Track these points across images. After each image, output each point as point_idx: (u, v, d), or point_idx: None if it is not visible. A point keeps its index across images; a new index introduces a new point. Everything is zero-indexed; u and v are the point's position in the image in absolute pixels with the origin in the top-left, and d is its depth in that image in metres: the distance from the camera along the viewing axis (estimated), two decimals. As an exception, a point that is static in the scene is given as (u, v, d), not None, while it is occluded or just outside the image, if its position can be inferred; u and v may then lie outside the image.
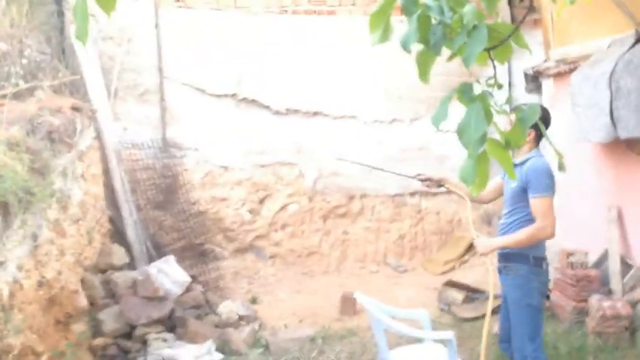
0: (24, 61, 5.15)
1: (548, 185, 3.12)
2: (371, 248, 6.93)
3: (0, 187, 3.14)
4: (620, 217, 4.85)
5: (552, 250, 5.69)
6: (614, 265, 4.77)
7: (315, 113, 6.80)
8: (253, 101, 6.61)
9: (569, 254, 4.89)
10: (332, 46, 6.71)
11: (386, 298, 5.01)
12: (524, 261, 3.18)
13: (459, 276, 6.01)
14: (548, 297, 3.36)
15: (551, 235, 3.13)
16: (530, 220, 3.14)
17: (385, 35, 1.76)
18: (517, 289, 3.22)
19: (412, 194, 7.05)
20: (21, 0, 5.43)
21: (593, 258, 5.00)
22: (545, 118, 3.22)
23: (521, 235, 3.15)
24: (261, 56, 6.57)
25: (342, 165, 6.81)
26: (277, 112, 6.68)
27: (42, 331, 3.66)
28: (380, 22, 1.75)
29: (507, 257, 3.27)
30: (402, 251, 6.98)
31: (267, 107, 6.65)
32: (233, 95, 6.55)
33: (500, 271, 3.36)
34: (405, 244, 7.00)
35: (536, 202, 3.10)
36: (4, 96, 4.54)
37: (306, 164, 6.81)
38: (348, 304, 5.49)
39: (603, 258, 4.95)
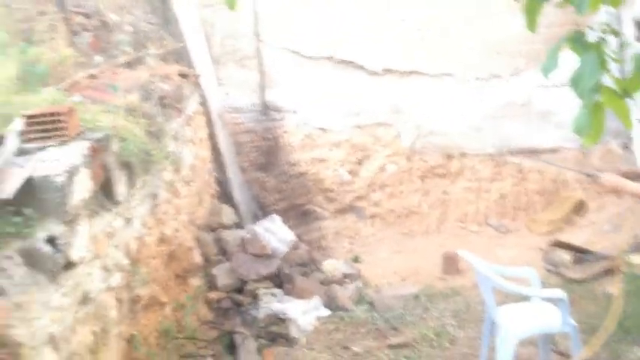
0: (133, 30, 5.40)
1: None
2: (471, 208, 6.80)
3: (126, 149, 3.32)
4: None
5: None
6: None
7: (411, 72, 6.69)
8: (349, 62, 6.58)
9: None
10: (426, 2, 6.54)
11: (488, 259, 4.93)
12: None
13: (566, 237, 5.80)
14: None
15: None
16: None
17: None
18: None
19: (513, 153, 6.82)
20: (126, -27, 5.66)
21: None
22: None
23: None
24: (356, 17, 6.51)
25: (441, 124, 6.71)
26: (373, 73, 6.63)
27: (164, 283, 3.91)
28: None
29: None
30: (504, 211, 6.79)
31: (363, 68, 6.61)
32: (329, 57, 6.56)
33: None
34: (506, 204, 6.81)
35: None
36: (119, 65, 4.78)
37: (404, 124, 6.74)
38: (451, 263, 5.47)
39: None
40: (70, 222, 2.54)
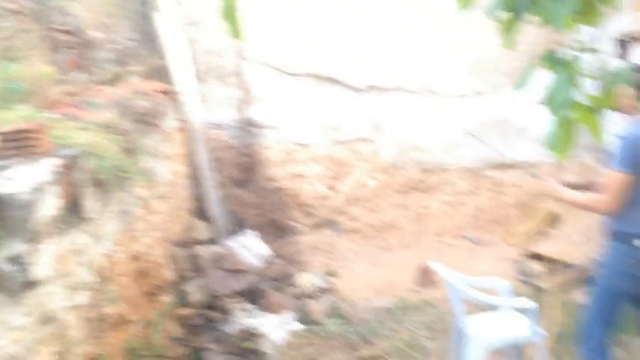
0: (115, 47, 5.45)
1: (625, 160, 2.83)
2: (449, 222, 6.88)
3: (99, 166, 3.36)
4: None
5: None
6: None
7: (393, 88, 6.77)
8: (330, 79, 6.66)
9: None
10: (409, 20, 6.63)
11: (464, 271, 4.99)
12: (620, 239, 2.96)
13: (539, 248, 5.88)
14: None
15: (605, 212, 2.98)
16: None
17: (470, 1, 1.76)
18: (606, 268, 3.04)
19: (491, 167, 6.92)
20: (109, -11, 5.72)
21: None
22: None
23: (579, 197, 3.08)
24: (339, 33, 6.59)
25: (420, 139, 6.78)
26: (355, 89, 6.71)
27: (134, 301, 3.92)
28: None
29: (607, 234, 3.07)
30: (481, 224, 6.88)
31: (344, 84, 6.69)
32: (311, 73, 6.63)
33: None
34: (483, 217, 6.90)
35: (608, 174, 2.92)
36: (100, 82, 4.83)
37: (384, 140, 6.82)
38: (425, 276, 5.53)
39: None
40: (35, 240, 2.57)
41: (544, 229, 6.41)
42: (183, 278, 4.79)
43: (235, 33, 1.47)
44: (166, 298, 4.46)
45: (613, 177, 2.86)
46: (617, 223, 2.98)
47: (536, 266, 5.35)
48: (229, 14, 1.46)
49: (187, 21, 6.26)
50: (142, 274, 4.04)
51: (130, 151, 4.21)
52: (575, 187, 3.27)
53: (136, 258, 3.97)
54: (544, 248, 5.73)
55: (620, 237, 2.96)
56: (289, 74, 6.61)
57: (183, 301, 4.65)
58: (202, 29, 6.37)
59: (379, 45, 6.65)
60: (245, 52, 6.50)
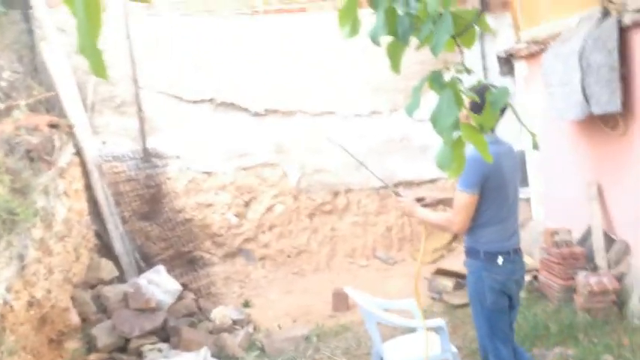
0: (-3, 81, 5.12)
1: (469, 181, 2.87)
2: (359, 243, 6.96)
3: (-18, 210, 3.11)
4: (600, 193, 4.92)
5: (537, 230, 5.78)
6: (597, 241, 4.83)
7: (294, 112, 6.82)
8: (231, 104, 6.60)
9: (554, 233, 4.95)
10: (305, 44, 6.73)
11: (377, 291, 5.04)
12: (475, 256, 3.00)
13: (448, 264, 6.06)
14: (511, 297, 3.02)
15: (456, 232, 3.11)
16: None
17: (354, 29, 1.79)
18: (471, 285, 3.05)
19: (396, 185, 7.10)
20: (-10, 21, 5.39)
21: (577, 235, 5.06)
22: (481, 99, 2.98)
23: (433, 217, 3.15)
24: (236, 59, 6.56)
25: (325, 161, 6.84)
26: (256, 114, 6.69)
27: (36, 350, 3.66)
28: (348, 17, 1.77)
29: (465, 252, 3.11)
30: (391, 243, 7.01)
31: (246, 109, 6.65)
32: (210, 100, 6.54)
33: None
34: (392, 236, 7.04)
35: (455, 194, 2.96)
36: (-21, 118, 4.51)
37: (289, 164, 6.82)
38: (340, 300, 5.52)
39: (587, 234, 5.02)
40: None
41: (452, 245, 6.62)
42: (89, 322, 4.51)
43: (97, 70, 1.34)
44: (72, 345, 4.19)
45: (459, 197, 2.91)
46: (471, 241, 3.02)
47: (446, 282, 5.50)
48: (89, 49, 1.33)
49: (75, 50, 5.99)
50: (43, 321, 3.77)
51: (20, 191, 3.95)
52: (435, 203, 3.36)
53: (35, 304, 3.70)
54: (452, 264, 5.91)
55: (474, 254, 3.01)
56: (188, 101, 6.49)
57: (91, 346, 4.37)
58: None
59: (278, 70, 6.68)
60: (141, 81, 6.31)
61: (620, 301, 4.48)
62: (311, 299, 5.86)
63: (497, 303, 2.97)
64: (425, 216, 3.16)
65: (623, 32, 4.26)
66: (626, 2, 4.26)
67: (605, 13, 4.47)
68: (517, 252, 3.05)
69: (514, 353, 3.11)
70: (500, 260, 2.94)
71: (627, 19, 4.20)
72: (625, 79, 4.26)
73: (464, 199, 2.89)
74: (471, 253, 3.04)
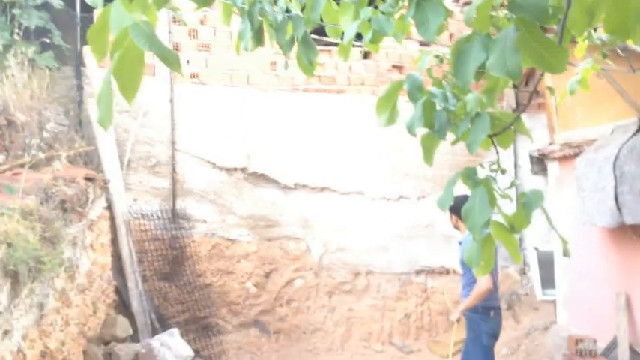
0: (43, 132, 5.32)
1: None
2: (376, 327, 6.83)
3: (11, 257, 3.18)
4: (628, 304, 4.80)
5: (560, 334, 5.61)
6: (623, 354, 4.67)
7: (323, 189, 6.89)
8: (262, 175, 6.71)
9: (578, 341, 4.81)
10: (340, 124, 6.88)
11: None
12: (474, 310, 4.17)
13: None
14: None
15: (490, 287, 4.02)
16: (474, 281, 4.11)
17: (391, 119, 1.85)
18: (470, 331, 4.24)
19: (418, 272, 7.03)
20: (42, 74, 5.66)
21: (601, 345, 4.90)
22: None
23: (472, 296, 4.09)
24: (272, 132, 6.72)
25: (349, 240, 6.84)
26: (285, 187, 6.77)
27: (42, 403, 3.60)
28: (387, 107, 1.84)
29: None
30: (408, 331, 6.87)
31: (276, 182, 6.75)
32: (243, 169, 6.67)
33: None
34: (410, 323, 6.90)
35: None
36: (22, 165, 4.66)
37: (313, 239, 6.83)
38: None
39: (612, 345, 4.86)
40: None
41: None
42: (96, 379, 4.46)
43: (102, 120, 1.43)
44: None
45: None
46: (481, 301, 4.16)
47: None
48: (103, 100, 1.42)
49: (120, 109, 6.24)
50: (52, 373, 3.74)
51: (49, 240, 4.02)
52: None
53: (47, 355, 3.68)
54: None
55: (474, 308, 4.15)
56: (221, 168, 6.62)
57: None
58: (135, 118, 6.33)
59: (312, 146, 6.82)
60: (178, 144, 6.49)
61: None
62: (321, 380, 5.72)
63: (490, 342, 4.22)
64: (468, 304, 4.16)
65: (658, 144, 4.29)
66: (661, 115, 4.31)
67: (641, 125, 4.52)
68: (500, 307, 4.37)
69: None
70: (492, 312, 4.18)
71: (662, 132, 4.23)
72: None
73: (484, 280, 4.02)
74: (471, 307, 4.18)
